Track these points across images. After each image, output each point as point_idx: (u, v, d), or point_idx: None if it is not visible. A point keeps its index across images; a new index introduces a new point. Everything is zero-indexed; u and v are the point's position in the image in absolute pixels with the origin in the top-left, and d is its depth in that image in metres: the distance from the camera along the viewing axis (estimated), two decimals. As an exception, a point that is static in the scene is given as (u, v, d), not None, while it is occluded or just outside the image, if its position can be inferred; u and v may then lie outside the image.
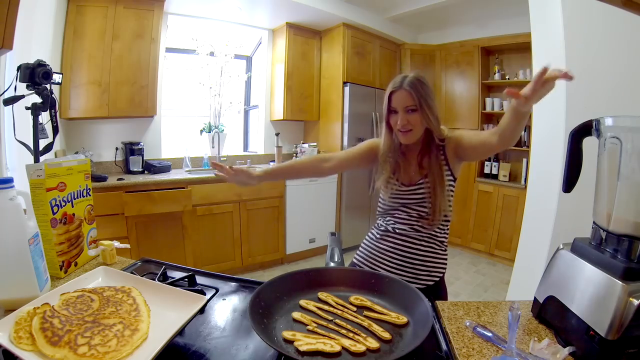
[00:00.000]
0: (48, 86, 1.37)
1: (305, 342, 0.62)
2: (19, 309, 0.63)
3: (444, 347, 0.68)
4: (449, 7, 3.48)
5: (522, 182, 3.44)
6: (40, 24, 2.07)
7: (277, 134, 3.85)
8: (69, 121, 2.73)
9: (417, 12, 3.62)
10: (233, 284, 0.95)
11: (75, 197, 0.99)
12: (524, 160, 3.43)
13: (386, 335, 0.66)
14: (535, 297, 0.77)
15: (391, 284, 0.80)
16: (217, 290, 0.89)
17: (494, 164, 3.69)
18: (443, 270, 1.16)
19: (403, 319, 0.70)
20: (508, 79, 3.68)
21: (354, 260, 1.25)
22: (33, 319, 0.61)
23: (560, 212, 1.52)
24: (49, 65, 1.36)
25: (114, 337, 0.59)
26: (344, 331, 0.67)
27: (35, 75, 1.31)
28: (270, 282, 0.76)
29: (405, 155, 1.15)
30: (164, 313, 0.69)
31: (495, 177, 3.67)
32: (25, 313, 0.62)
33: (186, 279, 0.91)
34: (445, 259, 1.16)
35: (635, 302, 0.55)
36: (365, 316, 0.72)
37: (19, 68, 1.33)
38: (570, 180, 0.75)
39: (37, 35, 2.00)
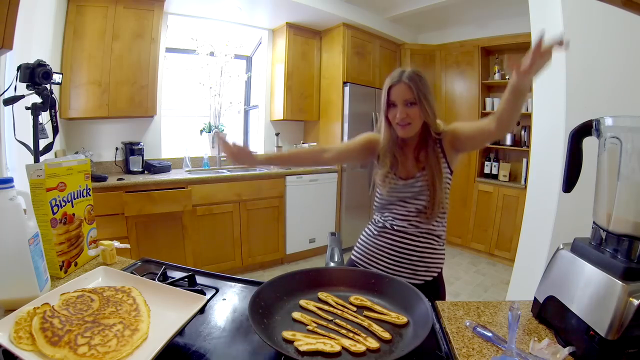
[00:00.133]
0: (48, 86, 1.37)
1: (305, 342, 0.62)
2: (19, 309, 0.63)
3: (444, 347, 0.68)
4: (449, 7, 3.48)
5: (522, 182, 3.43)
6: (40, 24, 2.07)
7: (277, 134, 3.85)
8: (69, 121, 2.73)
9: (417, 12, 3.62)
10: (233, 284, 0.95)
11: (75, 197, 0.99)
12: (524, 160, 3.43)
13: (386, 335, 0.66)
14: (535, 297, 0.77)
15: (391, 284, 0.80)
16: (217, 290, 0.89)
17: (494, 164, 3.69)
18: (441, 266, 1.16)
19: (403, 319, 0.70)
20: (508, 79, 3.67)
21: (352, 257, 1.25)
22: (33, 319, 0.61)
23: (560, 212, 1.52)
24: (49, 65, 1.36)
25: (114, 337, 0.59)
26: (344, 331, 0.67)
27: (35, 75, 1.32)
28: (270, 282, 0.76)
29: (402, 150, 1.16)
30: (164, 313, 0.69)
31: (495, 177, 3.67)
32: (25, 313, 0.62)
33: (186, 279, 0.91)
34: (443, 254, 1.17)
35: (635, 302, 0.55)
36: (365, 316, 0.72)
37: (19, 68, 1.33)
38: (570, 180, 0.75)
39: (37, 35, 2.00)
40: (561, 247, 0.74)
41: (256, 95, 4.00)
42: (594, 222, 0.69)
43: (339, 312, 0.73)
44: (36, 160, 1.37)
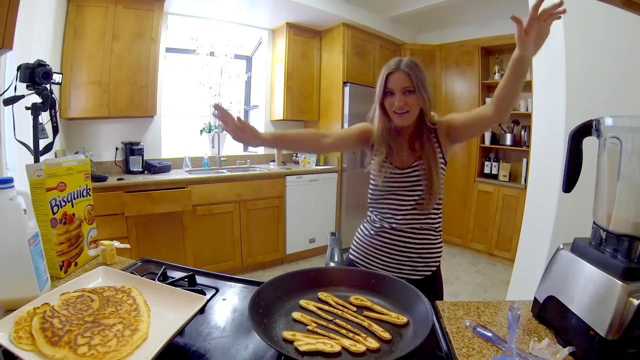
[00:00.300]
0: (48, 86, 1.37)
1: (305, 342, 0.62)
2: (19, 309, 0.63)
3: (444, 347, 0.68)
4: (449, 7, 3.48)
5: (522, 182, 3.43)
6: (40, 24, 2.07)
7: (277, 134, 3.84)
8: (69, 121, 2.73)
9: (417, 12, 3.62)
10: (233, 284, 0.95)
11: (75, 197, 0.99)
12: (524, 160, 3.43)
13: (386, 335, 0.66)
14: (535, 297, 0.77)
15: (391, 284, 0.80)
16: (217, 290, 0.89)
17: (494, 164, 3.69)
18: (439, 259, 1.17)
19: (403, 319, 0.70)
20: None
21: (351, 256, 1.25)
22: (33, 319, 0.61)
23: (560, 212, 1.52)
24: (49, 65, 1.36)
25: (114, 337, 0.59)
26: (344, 331, 0.67)
27: (35, 75, 1.31)
28: (270, 282, 0.76)
29: (397, 139, 1.15)
30: (164, 313, 0.69)
31: (495, 177, 3.67)
32: (25, 313, 0.62)
33: (186, 279, 0.91)
34: (441, 247, 1.17)
35: (635, 302, 0.55)
36: (365, 316, 0.72)
37: (19, 68, 1.33)
38: (570, 180, 0.75)
39: (37, 35, 2.00)
40: (561, 247, 0.74)
41: (256, 95, 4.00)
42: (594, 222, 0.69)
43: (339, 312, 0.73)
44: (36, 160, 1.37)
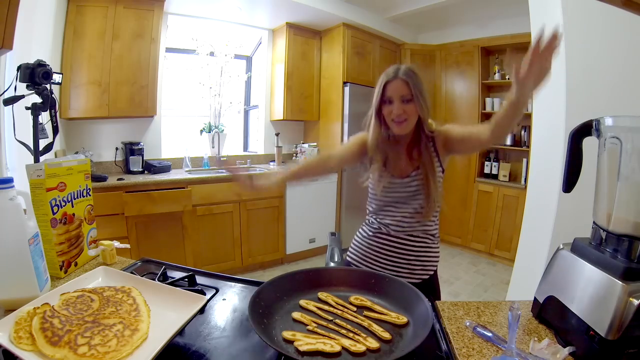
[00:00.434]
0: (48, 86, 1.37)
1: (305, 342, 0.62)
2: (19, 309, 0.63)
3: (444, 347, 0.68)
4: (449, 7, 3.48)
5: (522, 182, 3.43)
6: (40, 24, 2.07)
7: (277, 134, 3.85)
8: (69, 121, 2.73)
9: (417, 12, 3.62)
10: (233, 284, 0.95)
11: (75, 197, 0.99)
12: (524, 160, 3.43)
13: (386, 335, 0.66)
14: (535, 297, 0.77)
15: (391, 284, 0.80)
16: (217, 290, 0.89)
17: (494, 164, 3.69)
18: (437, 263, 1.17)
19: (403, 319, 0.70)
20: (508, 79, 3.68)
21: (348, 259, 1.25)
22: (33, 319, 0.61)
23: (560, 212, 1.52)
24: (49, 65, 1.36)
25: (114, 337, 0.59)
26: (344, 331, 0.67)
27: (35, 75, 1.31)
28: (270, 282, 0.76)
29: (395, 148, 1.15)
30: (164, 313, 0.69)
31: (495, 177, 3.67)
32: (25, 313, 0.62)
33: (186, 279, 0.91)
34: (438, 252, 1.18)
35: (635, 302, 0.55)
36: (365, 316, 0.72)
37: (19, 68, 1.33)
38: (570, 180, 0.75)
39: (37, 35, 2.00)
40: (561, 247, 0.74)
41: (256, 95, 4.00)
42: (594, 222, 0.69)
43: (339, 312, 0.73)
44: (36, 160, 1.37)
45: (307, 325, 0.68)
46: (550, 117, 1.59)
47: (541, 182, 1.70)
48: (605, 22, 1.38)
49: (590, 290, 0.62)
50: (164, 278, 0.91)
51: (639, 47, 1.35)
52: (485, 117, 3.82)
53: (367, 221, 1.23)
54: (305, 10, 3.29)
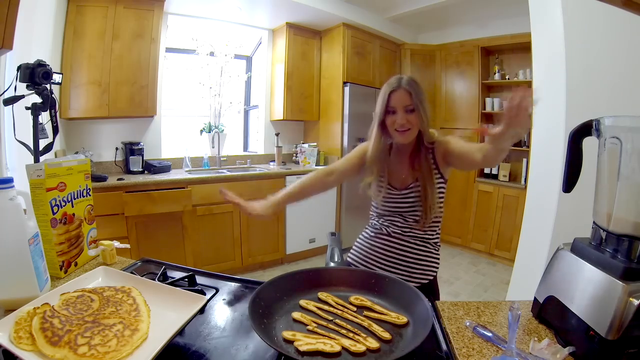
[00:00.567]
0: (48, 86, 1.37)
1: (305, 342, 0.62)
2: (19, 309, 0.63)
3: (444, 347, 0.68)
4: (449, 7, 3.48)
5: (522, 182, 3.43)
6: (40, 24, 2.07)
7: (277, 134, 3.85)
8: (69, 121, 2.73)
9: (417, 12, 3.62)
10: (233, 284, 0.95)
11: (75, 197, 0.99)
12: (524, 160, 3.43)
13: (386, 335, 0.66)
14: (535, 297, 0.77)
15: (391, 284, 0.80)
16: (217, 290, 0.89)
17: (494, 164, 3.69)
18: (436, 269, 1.17)
19: (403, 319, 0.70)
20: (508, 79, 3.68)
21: (349, 259, 1.26)
22: (33, 319, 0.61)
23: (560, 212, 1.52)
24: (49, 65, 1.36)
25: (114, 337, 0.59)
26: (344, 331, 0.67)
27: (35, 75, 1.31)
28: (270, 282, 0.76)
29: (397, 158, 1.16)
30: (164, 313, 0.69)
31: (495, 177, 3.67)
32: (25, 313, 0.62)
33: (186, 279, 0.91)
34: (438, 259, 1.18)
35: (635, 302, 0.55)
36: (365, 316, 0.72)
37: (19, 68, 1.33)
38: (570, 180, 0.75)
39: (37, 35, 2.00)
40: (561, 247, 0.74)
41: (256, 95, 4.00)
42: (594, 222, 0.69)
43: (339, 312, 0.73)
44: (36, 160, 1.37)
45: (307, 325, 0.68)
46: (550, 117, 1.59)
47: (541, 182, 1.70)
48: (605, 22, 1.38)
49: (590, 290, 0.62)
50: (164, 278, 0.91)
51: (639, 47, 1.35)
52: (485, 117, 3.82)
53: (369, 223, 1.24)
54: (305, 10, 3.29)
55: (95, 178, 2.44)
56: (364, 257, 1.19)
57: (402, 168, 1.14)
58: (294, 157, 4.04)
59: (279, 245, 3.35)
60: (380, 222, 1.18)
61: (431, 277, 1.15)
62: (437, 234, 1.16)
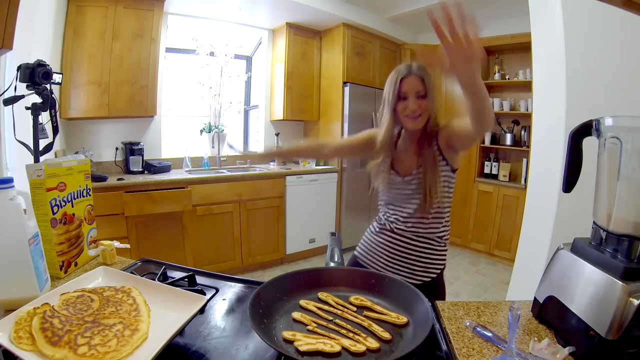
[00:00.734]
0: (48, 86, 1.37)
1: (305, 342, 0.62)
2: (19, 309, 0.63)
3: (444, 347, 0.68)
4: (449, 7, 3.47)
5: (522, 182, 3.44)
6: (40, 24, 2.07)
7: (277, 134, 3.85)
8: (69, 121, 2.73)
9: (417, 12, 3.62)
10: (233, 284, 0.95)
11: (75, 197, 0.99)
12: (524, 160, 3.43)
13: (386, 335, 0.66)
14: (535, 297, 0.77)
15: (391, 284, 0.80)
16: (217, 290, 0.89)
17: (494, 164, 3.69)
18: (441, 267, 1.15)
19: (403, 319, 0.70)
20: (508, 78, 3.68)
21: (355, 252, 1.27)
22: (33, 319, 0.61)
23: (560, 212, 1.52)
24: (49, 65, 1.36)
25: (114, 337, 0.59)
26: (344, 331, 0.67)
27: (35, 75, 1.31)
28: (270, 282, 0.76)
29: (403, 145, 1.16)
30: (164, 313, 0.69)
31: (495, 177, 3.67)
32: (25, 313, 0.62)
33: (186, 279, 0.91)
34: (444, 256, 1.16)
35: (635, 302, 0.55)
36: (365, 316, 0.72)
37: (19, 68, 1.33)
38: (570, 180, 0.75)
39: (37, 35, 2.00)
40: (561, 247, 0.74)
41: (256, 95, 4.00)
42: (594, 222, 0.69)
43: (339, 312, 0.73)
44: (36, 160, 1.37)
45: (307, 325, 0.68)
46: (550, 117, 1.59)
47: (541, 182, 1.70)
48: (605, 22, 1.38)
49: (590, 290, 0.62)
50: (164, 278, 0.91)
51: (639, 47, 1.35)
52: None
53: (377, 217, 1.24)
54: (305, 10, 3.29)
55: (95, 178, 2.44)
56: (368, 253, 1.21)
57: (408, 155, 1.14)
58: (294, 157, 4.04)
59: (279, 245, 3.35)
60: (385, 215, 1.18)
61: (434, 275, 1.14)
62: (444, 227, 1.13)
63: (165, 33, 3.10)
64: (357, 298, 0.78)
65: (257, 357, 0.65)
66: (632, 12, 0.84)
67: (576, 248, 0.70)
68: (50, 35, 2.30)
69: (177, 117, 3.55)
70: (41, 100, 1.35)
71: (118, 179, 2.58)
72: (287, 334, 0.64)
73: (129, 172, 2.92)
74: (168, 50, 3.26)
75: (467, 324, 0.73)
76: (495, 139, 3.77)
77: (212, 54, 3.39)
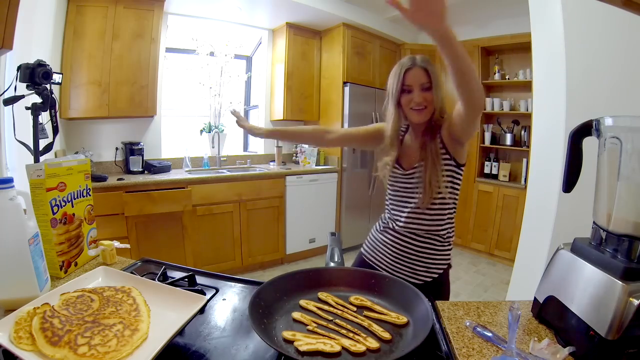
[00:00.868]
0: (48, 86, 1.37)
1: (305, 342, 0.62)
2: (19, 309, 0.63)
3: (444, 347, 0.68)
4: (449, 7, 3.44)
5: (522, 182, 3.44)
6: (40, 24, 2.07)
7: (277, 134, 3.84)
8: (69, 121, 2.73)
9: (417, 12, 3.62)
10: (233, 284, 0.95)
11: (75, 197, 0.99)
12: (524, 160, 3.43)
13: (386, 335, 0.66)
14: (535, 297, 0.77)
15: (391, 284, 0.80)
16: (217, 290, 0.89)
17: (494, 164, 3.69)
18: (444, 267, 1.14)
19: (403, 319, 0.70)
20: (508, 79, 3.68)
21: (361, 249, 1.29)
22: (33, 319, 0.61)
23: (560, 212, 1.52)
24: (49, 65, 1.36)
25: (114, 337, 0.59)
26: (344, 331, 0.67)
27: (35, 75, 1.31)
28: (270, 282, 0.76)
29: (410, 137, 1.16)
30: (164, 313, 0.69)
31: (495, 177, 3.67)
32: (25, 313, 0.62)
33: (186, 279, 0.91)
34: (448, 256, 1.14)
35: (635, 302, 0.55)
36: (365, 316, 0.72)
37: (19, 68, 1.33)
38: (570, 180, 0.75)
39: (37, 35, 2.00)
40: (561, 247, 0.74)
41: (256, 95, 4.00)
42: (594, 222, 0.69)
43: (339, 312, 0.73)
44: (36, 160, 1.37)
45: (307, 325, 0.68)
46: (550, 117, 1.59)
47: (541, 182, 1.70)
48: (605, 22, 1.38)
49: (590, 290, 0.62)
50: (164, 278, 0.91)
51: (639, 47, 1.35)
52: (486, 117, 3.82)
53: (382, 216, 1.25)
54: (305, 10, 3.29)
55: (95, 178, 2.44)
56: (373, 251, 1.22)
57: (413, 149, 1.13)
58: (294, 157, 4.04)
59: (279, 245, 3.35)
60: (390, 214, 1.18)
61: (436, 275, 1.13)
62: (447, 225, 1.11)
63: (165, 33, 3.10)
64: (357, 298, 0.78)
65: (257, 357, 0.65)
66: (632, 12, 0.84)
67: (576, 248, 0.70)
68: (50, 35, 2.30)
69: (177, 117, 3.55)
70: (41, 100, 1.35)
71: (118, 179, 2.58)
72: (287, 334, 0.64)
73: (129, 172, 2.92)
74: (168, 50, 3.26)
75: (467, 324, 0.73)
76: (495, 139, 3.78)
77: (212, 54, 3.39)
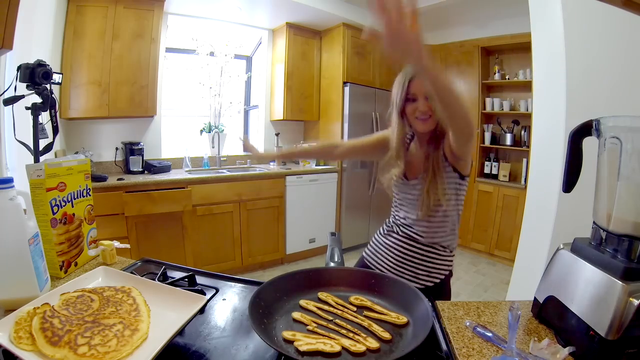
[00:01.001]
0: (48, 86, 1.37)
1: (305, 342, 0.62)
2: (19, 309, 0.63)
3: (444, 347, 0.68)
4: (449, 7, 3.48)
5: (522, 182, 3.44)
6: (40, 24, 2.07)
7: (277, 134, 3.85)
8: (69, 121, 2.73)
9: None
10: (233, 284, 0.95)
11: (75, 197, 0.99)
12: (524, 160, 3.43)
13: (386, 335, 0.66)
14: (535, 297, 0.77)
15: (391, 284, 0.80)
16: (217, 290, 0.89)
17: (494, 164, 3.69)
18: (445, 273, 1.14)
19: (403, 319, 0.70)
20: (508, 78, 3.68)
21: (363, 253, 1.28)
22: (33, 319, 0.61)
23: (560, 212, 1.52)
24: (49, 65, 1.36)
25: (114, 337, 0.59)
26: (344, 331, 0.67)
27: (35, 75, 1.31)
28: (270, 282, 0.76)
29: (415, 147, 1.15)
30: (164, 313, 0.69)
31: (495, 177, 3.67)
32: (25, 313, 0.62)
33: (186, 279, 0.91)
34: (450, 263, 1.14)
35: (635, 302, 0.55)
36: (365, 316, 0.72)
37: (19, 68, 1.33)
38: (570, 180, 0.75)
39: (37, 35, 2.00)
40: (561, 247, 0.74)
41: (256, 95, 4.00)
42: (594, 222, 0.69)
43: (339, 312, 0.73)
44: (36, 160, 1.37)
45: (307, 325, 0.68)
46: (550, 117, 1.59)
47: (541, 182, 1.70)
48: (605, 22, 1.38)
49: (590, 290, 0.62)
50: (164, 278, 0.91)
51: (639, 47, 1.35)
52: (486, 117, 3.82)
53: (387, 220, 1.24)
54: (305, 10, 3.29)
55: (95, 178, 2.44)
56: (375, 254, 1.22)
57: (417, 158, 1.13)
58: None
59: (279, 245, 3.35)
60: (393, 217, 1.19)
61: (437, 280, 1.12)
62: (450, 235, 1.11)
63: (165, 33, 3.11)
64: (357, 298, 0.78)
65: (257, 357, 0.65)
66: (632, 12, 0.84)
67: (576, 248, 0.70)
68: (50, 35, 2.30)
69: (177, 117, 3.55)
70: (41, 100, 1.35)
71: (118, 179, 2.58)
72: (287, 334, 0.64)
73: (129, 172, 2.92)
74: (168, 50, 3.26)
75: (467, 324, 0.73)
76: (495, 139, 3.78)
77: (212, 54, 3.39)
